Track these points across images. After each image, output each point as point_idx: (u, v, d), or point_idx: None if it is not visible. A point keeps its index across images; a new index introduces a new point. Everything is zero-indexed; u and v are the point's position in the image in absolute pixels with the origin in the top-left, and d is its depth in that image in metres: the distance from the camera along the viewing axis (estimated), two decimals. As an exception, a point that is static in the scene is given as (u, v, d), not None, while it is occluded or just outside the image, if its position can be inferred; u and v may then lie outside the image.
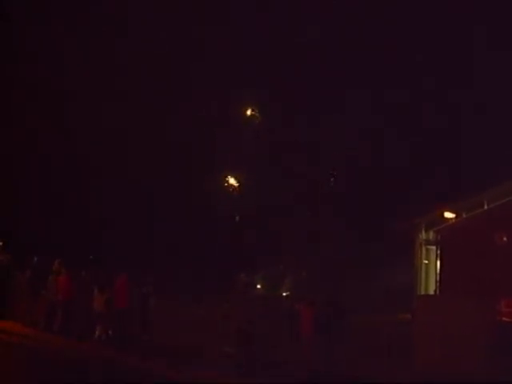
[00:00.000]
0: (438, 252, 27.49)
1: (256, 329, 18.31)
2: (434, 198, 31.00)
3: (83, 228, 35.25)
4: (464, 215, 27.99)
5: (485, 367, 16.67)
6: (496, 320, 19.98)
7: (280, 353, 18.61)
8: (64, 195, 36.35)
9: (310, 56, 39.13)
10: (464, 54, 37.66)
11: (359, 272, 32.64)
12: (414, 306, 21.75)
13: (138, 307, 21.17)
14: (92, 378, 16.20)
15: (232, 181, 40.97)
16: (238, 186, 40.83)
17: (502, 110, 36.50)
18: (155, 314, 21.39)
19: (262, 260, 36.04)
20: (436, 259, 27.91)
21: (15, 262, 24.10)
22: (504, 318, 21.26)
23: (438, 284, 27.27)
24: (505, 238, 25.44)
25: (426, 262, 29.86)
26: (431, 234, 29.43)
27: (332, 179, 39.75)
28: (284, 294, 32.12)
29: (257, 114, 41.69)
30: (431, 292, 28.13)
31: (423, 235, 30.16)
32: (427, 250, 29.86)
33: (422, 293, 29.01)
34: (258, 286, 29.58)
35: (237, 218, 40.46)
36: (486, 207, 27.16)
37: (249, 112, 41.91)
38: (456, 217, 28.04)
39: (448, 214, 28.10)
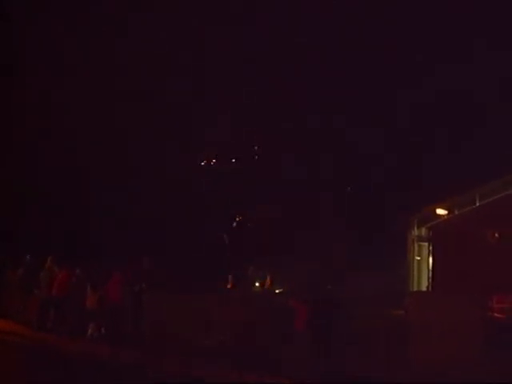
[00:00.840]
0: (431, 248, 27.59)
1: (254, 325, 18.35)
2: (427, 194, 31.09)
3: (76, 226, 35.15)
4: (456, 212, 28.12)
5: (477, 363, 16.72)
6: (488, 316, 20.08)
7: (275, 351, 18.57)
8: (57, 193, 36.24)
9: (310, 56, 39.20)
10: (464, 54, 37.83)
11: (355, 270, 32.64)
12: (405, 303, 21.80)
13: (130, 305, 21.16)
14: (85, 375, 16.20)
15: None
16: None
17: (499, 110, 36.70)
18: (149, 311, 21.34)
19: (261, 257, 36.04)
20: (428, 256, 27.99)
21: (8, 261, 24.09)
22: (496, 314, 21.38)
23: (430, 280, 27.36)
24: (496, 235, 25.61)
25: (419, 258, 29.97)
26: (423, 231, 29.53)
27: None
28: (277, 291, 32.05)
29: None
30: (423, 288, 28.23)
31: (415, 232, 30.28)
32: (419, 246, 29.97)
33: (415, 289, 29.13)
34: (257, 284, 29.49)
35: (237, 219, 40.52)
36: (477, 204, 27.30)
37: None
38: (448, 213, 28.17)
39: (440, 211, 28.21)
